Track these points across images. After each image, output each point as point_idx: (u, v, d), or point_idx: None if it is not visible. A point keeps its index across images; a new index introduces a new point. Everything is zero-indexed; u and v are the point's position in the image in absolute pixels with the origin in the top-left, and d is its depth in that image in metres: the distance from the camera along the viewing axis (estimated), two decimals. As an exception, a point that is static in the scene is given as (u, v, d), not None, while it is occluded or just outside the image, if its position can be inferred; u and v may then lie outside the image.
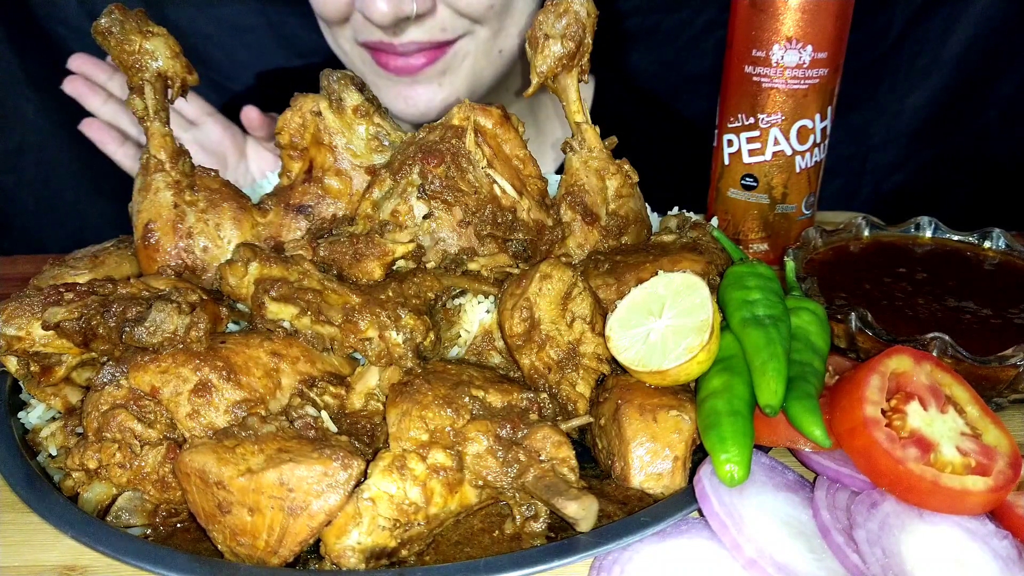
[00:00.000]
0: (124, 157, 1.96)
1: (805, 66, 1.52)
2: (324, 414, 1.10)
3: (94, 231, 1.61)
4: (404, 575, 0.94)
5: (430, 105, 2.03)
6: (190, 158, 1.39)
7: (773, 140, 1.59)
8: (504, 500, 1.05)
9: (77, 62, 1.94)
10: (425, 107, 2.03)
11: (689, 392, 1.17)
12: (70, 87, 1.93)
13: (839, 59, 1.55)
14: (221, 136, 2.03)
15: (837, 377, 1.18)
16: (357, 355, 1.23)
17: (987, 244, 1.50)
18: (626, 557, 0.97)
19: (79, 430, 1.14)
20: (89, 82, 1.94)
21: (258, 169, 2.05)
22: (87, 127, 1.95)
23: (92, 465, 1.05)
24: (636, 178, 1.51)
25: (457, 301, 1.30)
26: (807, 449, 1.08)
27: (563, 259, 1.25)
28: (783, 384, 1.07)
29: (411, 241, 1.27)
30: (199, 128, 2.03)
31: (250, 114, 1.99)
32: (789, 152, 1.60)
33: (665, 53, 2.82)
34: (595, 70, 2.23)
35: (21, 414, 1.25)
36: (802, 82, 1.53)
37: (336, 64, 1.80)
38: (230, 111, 2.07)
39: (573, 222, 1.44)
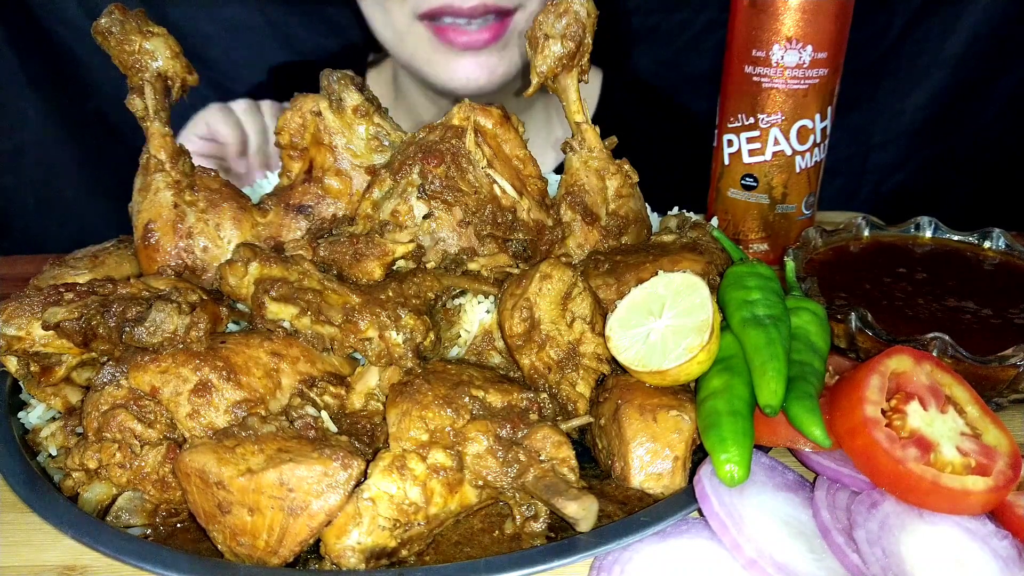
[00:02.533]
0: None
1: (805, 66, 1.52)
2: (324, 414, 1.10)
3: (94, 231, 1.61)
4: (404, 575, 0.94)
5: (492, 78, 2.16)
6: (190, 158, 1.39)
7: (773, 140, 1.59)
8: (504, 500, 1.05)
9: None
10: (487, 79, 2.16)
11: (689, 392, 1.17)
12: None
13: (839, 59, 1.55)
14: None
15: (837, 377, 1.18)
16: (357, 355, 1.23)
17: (987, 244, 1.49)
18: (626, 557, 0.97)
19: (79, 430, 1.14)
20: None
21: None
22: None
23: (92, 465, 1.05)
24: (636, 178, 1.51)
25: (457, 301, 1.30)
26: (807, 449, 1.08)
27: (563, 259, 1.25)
28: (783, 384, 1.07)
29: (411, 241, 1.27)
30: None
31: None
32: (789, 152, 1.60)
33: (665, 53, 2.82)
34: (599, 68, 2.25)
35: (21, 414, 1.25)
36: (802, 82, 1.53)
37: (336, 64, 1.79)
38: None
39: (573, 222, 1.44)
